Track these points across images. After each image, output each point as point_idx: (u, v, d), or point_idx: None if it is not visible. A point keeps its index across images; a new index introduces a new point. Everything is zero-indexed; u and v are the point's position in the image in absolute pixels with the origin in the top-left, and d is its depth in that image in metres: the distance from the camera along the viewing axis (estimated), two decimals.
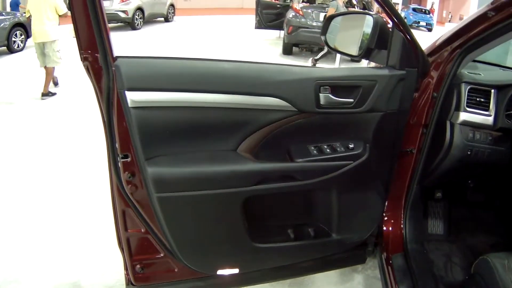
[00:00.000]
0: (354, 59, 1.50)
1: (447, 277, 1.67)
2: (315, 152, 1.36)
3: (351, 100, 1.32)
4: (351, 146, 1.38)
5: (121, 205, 1.29)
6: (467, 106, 1.54)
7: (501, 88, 1.59)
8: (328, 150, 1.37)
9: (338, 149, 1.38)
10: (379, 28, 1.38)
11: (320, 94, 1.28)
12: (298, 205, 1.51)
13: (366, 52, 1.43)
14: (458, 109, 1.54)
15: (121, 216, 1.31)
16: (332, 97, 1.30)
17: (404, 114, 1.44)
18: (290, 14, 8.37)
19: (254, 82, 1.24)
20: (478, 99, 1.56)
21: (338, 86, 1.31)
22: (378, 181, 1.55)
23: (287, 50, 8.87)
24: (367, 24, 1.43)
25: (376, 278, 1.86)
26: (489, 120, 1.56)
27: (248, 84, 1.23)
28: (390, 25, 1.38)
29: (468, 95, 1.55)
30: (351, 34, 1.56)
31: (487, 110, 1.56)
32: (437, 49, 1.48)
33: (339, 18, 1.62)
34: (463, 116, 1.54)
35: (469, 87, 1.56)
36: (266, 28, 10.06)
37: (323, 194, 1.46)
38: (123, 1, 11.33)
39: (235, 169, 1.25)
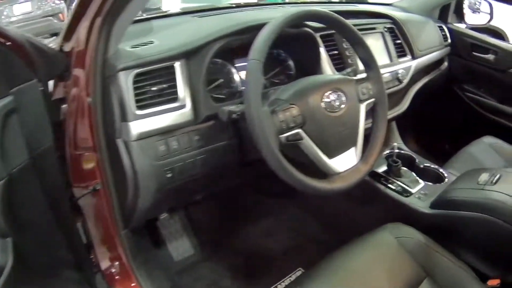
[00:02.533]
0: None
1: None
2: None
3: None
4: None
5: None
6: (139, 107, 0.90)
7: (192, 53, 0.97)
8: None
9: None
10: None
11: None
12: None
13: None
14: (125, 117, 0.90)
15: None
16: None
17: (48, 157, 0.92)
18: None
19: None
20: (161, 86, 0.94)
21: None
22: (67, 271, 1.05)
23: None
24: None
25: None
26: (186, 113, 0.96)
27: None
28: None
29: (135, 89, 0.90)
30: None
31: (177, 99, 0.95)
32: (71, 29, 0.92)
33: None
34: (136, 126, 0.90)
35: (132, 74, 0.89)
36: None
37: None
38: None
39: None
